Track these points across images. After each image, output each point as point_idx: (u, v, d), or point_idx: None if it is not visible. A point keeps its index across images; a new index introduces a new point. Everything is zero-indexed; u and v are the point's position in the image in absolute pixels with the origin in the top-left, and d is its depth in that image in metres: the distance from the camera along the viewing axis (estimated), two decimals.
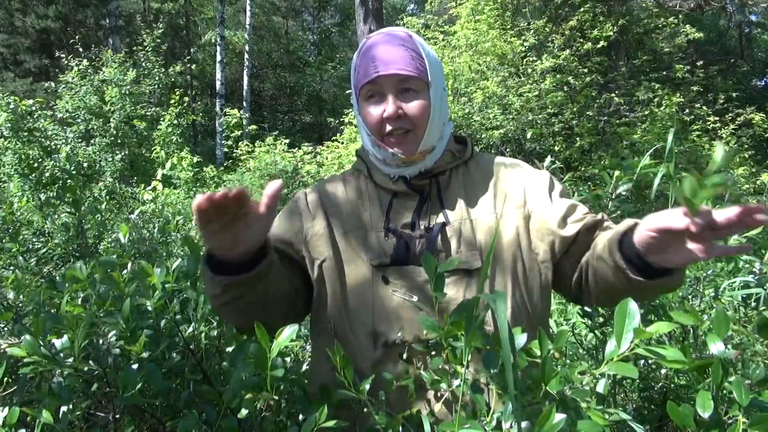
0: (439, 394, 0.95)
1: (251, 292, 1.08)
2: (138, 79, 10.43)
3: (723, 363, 0.78)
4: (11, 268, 2.19)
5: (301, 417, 1.07)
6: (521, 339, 0.85)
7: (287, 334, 0.95)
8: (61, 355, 1.00)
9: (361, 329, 1.17)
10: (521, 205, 1.24)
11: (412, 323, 1.13)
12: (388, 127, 1.20)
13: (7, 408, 0.96)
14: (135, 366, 1.02)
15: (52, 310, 1.33)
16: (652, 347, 0.76)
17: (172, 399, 1.12)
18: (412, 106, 1.20)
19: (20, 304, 1.91)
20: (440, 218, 1.22)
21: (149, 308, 1.08)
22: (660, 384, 1.85)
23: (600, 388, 0.96)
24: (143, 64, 11.00)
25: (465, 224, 1.21)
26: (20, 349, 0.96)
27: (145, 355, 1.05)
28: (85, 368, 1.03)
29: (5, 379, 1.02)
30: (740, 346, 1.34)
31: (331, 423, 0.92)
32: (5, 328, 1.87)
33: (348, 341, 1.16)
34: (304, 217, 1.28)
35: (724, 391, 0.82)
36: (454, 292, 1.14)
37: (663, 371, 1.85)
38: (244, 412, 0.96)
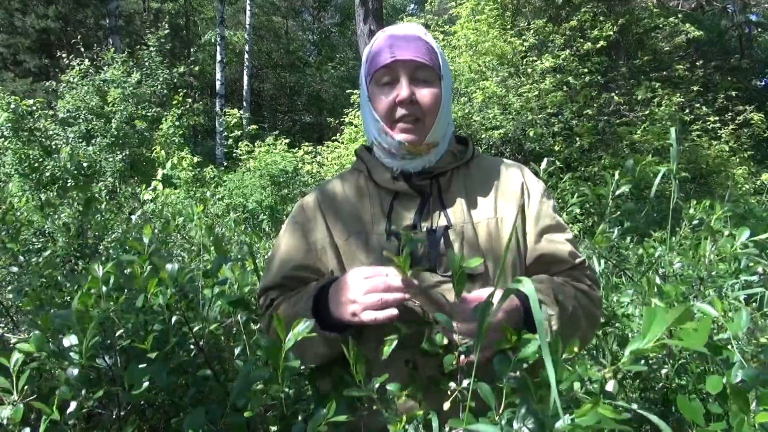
0: (449, 393, 0.96)
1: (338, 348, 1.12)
2: (140, 80, 10.43)
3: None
4: (11, 268, 2.19)
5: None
6: (532, 345, 0.85)
7: (302, 327, 0.95)
8: (70, 352, 1.00)
9: (367, 334, 1.16)
10: (519, 210, 1.24)
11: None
12: (399, 112, 1.20)
13: (11, 405, 0.96)
14: (142, 364, 1.02)
15: (53, 310, 1.34)
16: (674, 340, 0.76)
17: (177, 396, 1.12)
18: (426, 94, 1.20)
19: (20, 304, 1.91)
20: (442, 220, 1.21)
21: (161, 303, 1.08)
22: (660, 384, 1.85)
23: (609, 387, 0.96)
24: (146, 63, 11.00)
25: (467, 227, 1.20)
26: (29, 345, 0.97)
27: (152, 353, 1.05)
28: (94, 365, 1.03)
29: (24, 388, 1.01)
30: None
31: (342, 417, 0.92)
32: (5, 327, 1.87)
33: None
34: (308, 231, 1.28)
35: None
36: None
37: (664, 371, 1.85)
38: (250, 411, 0.96)
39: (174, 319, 1.13)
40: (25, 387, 0.98)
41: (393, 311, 1.02)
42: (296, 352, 1.11)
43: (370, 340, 1.15)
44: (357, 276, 1.07)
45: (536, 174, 1.36)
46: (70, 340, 1.00)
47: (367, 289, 1.03)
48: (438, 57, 1.23)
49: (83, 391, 1.00)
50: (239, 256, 2.07)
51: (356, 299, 1.04)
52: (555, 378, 0.75)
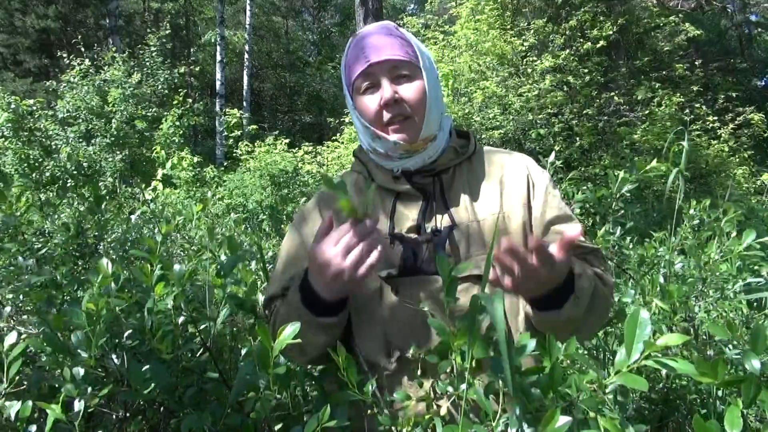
0: (446, 397, 0.95)
1: (337, 332, 1.12)
2: (141, 80, 10.43)
3: (757, 380, 0.76)
4: (11, 267, 2.18)
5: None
6: (530, 344, 0.84)
7: (289, 332, 0.94)
8: (78, 350, 1.00)
9: (374, 343, 1.15)
10: (525, 203, 1.21)
11: (425, 335, 1.10)
12: (387, 115, 1.17)
13: (19, 402, 0.95)
14: (146, 364, 1.02)
15: (54, 310, 1.33)
16: (664, 360, 0.75)
17: (178, 396, 1.12)
18: (409, 90, 1.17)
19: (20, 304, 1.90)
20: (446, 219, 1.18)
21: (169, 306, 1.08)
22: (660, 384, 1.84)
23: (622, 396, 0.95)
24: (147, 63, 11.01)
25: (473, 226, 1.18)
26: (39, 342, 0.96)
27: (167, 355, 1.05)
28: (101, 365, 1.03)
29: (16, 377, 1.01)
30: None
31: (332, 423, 0.91)
32: (5, 328, 1.86)
33: (361, 354, 1.14)
34: (307, 239, 1.25)
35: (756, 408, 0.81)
36: (467, 299, 1.10)
37: (664, 372, 1.84)
38: (256, 414, 0.96)
39: (182, 319, 1.12)
40: (17, 377, 0.98)
41: (377, 253, 1.00)
42: (296, 350, 1.11)
43: (374, 348, 1.15)
44: (325, 250, 1.01)
45: (542, 168, 1.34)
46: (78, 338, 0.99)
47: (343, 252, 0.99)
48: (414, 48, 1.20)
49: (89, 390, 0.99)
50: (244, 256, 2.07)
51: (341, 267, 1.00)
52: (513, 381, 0.74)
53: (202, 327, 1.16)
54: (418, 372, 1.09)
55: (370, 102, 1.18)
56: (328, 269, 1.01)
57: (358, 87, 1.19)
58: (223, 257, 1.38)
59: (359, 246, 0.99)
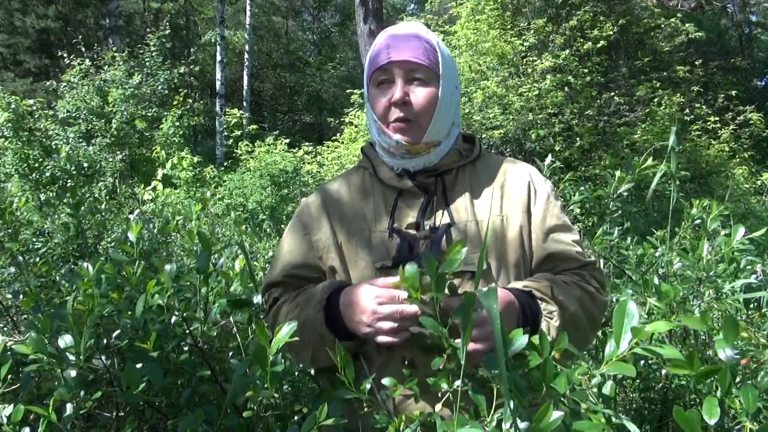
0: (440, 395, 0.95)
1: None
2: (141, 80, 10.43)
3: (731, 370, 0.77)
4: (9, 268, 2.19)
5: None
6: (522, 340, 0.84)
7: (286, 331, 0.95)
8: (67, 353, 1.00)
9: None
10: (525, 209, 1.24)
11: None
12: (394, 113, 1.21)
13: (11, 405, 0.95)
14: (138, 364, 1.02)
15: (51, 310, 1.33)
16: (651, 347, 0.76)
17: (174, 397, 1.12)
18: (419, 95, 1.21)
19: (19, 304, 1.90)
20: (445, 218, 1.21)
21: (161, 304, 1.08)
22: (660, 384, 1.85)
23: (606, 389, 0.96)
24: (147, 63, 11.01)
25: (470, 225, 1.20)
26: (26, 347, 0.96)
27: (154, 353, 1.05)
28: (91, 367, 1.03)
29: (8, 376, 1.01)
30: (749, 355, 1.33)
31: (329, 421, 0.92)
32: (4, 328, 1.87)
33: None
34: (311, 229, 1.29)
35: (732, 398, 0.82)
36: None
37: (663, 371, 1.85)
38: (250, 411, 0.96)
39: (174, 319, 1.13)
40: (8, 377, 0.98)
41: (407, 334, 1.05)
42: (308, 360, 1.16)
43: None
44: (369, 298, 1.07)
45: (539, 171, 1.36)
46: (65, 341, 0.99)
47: (382, 316, 1.05)
48: (438, 55, 1.23)
49: (82, 393, 0.99)
50: (234, 254, 2.07)
51: (371, 324, 1.06)
52: (507, 376, 0.74)
53: (193, 327, 1.16)
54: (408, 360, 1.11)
55: (382, 96, 1.23)
56: (358, 313, 1.08)
57: (375, 79, 1.25)
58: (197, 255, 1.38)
59: (393, 323, 1.04)
